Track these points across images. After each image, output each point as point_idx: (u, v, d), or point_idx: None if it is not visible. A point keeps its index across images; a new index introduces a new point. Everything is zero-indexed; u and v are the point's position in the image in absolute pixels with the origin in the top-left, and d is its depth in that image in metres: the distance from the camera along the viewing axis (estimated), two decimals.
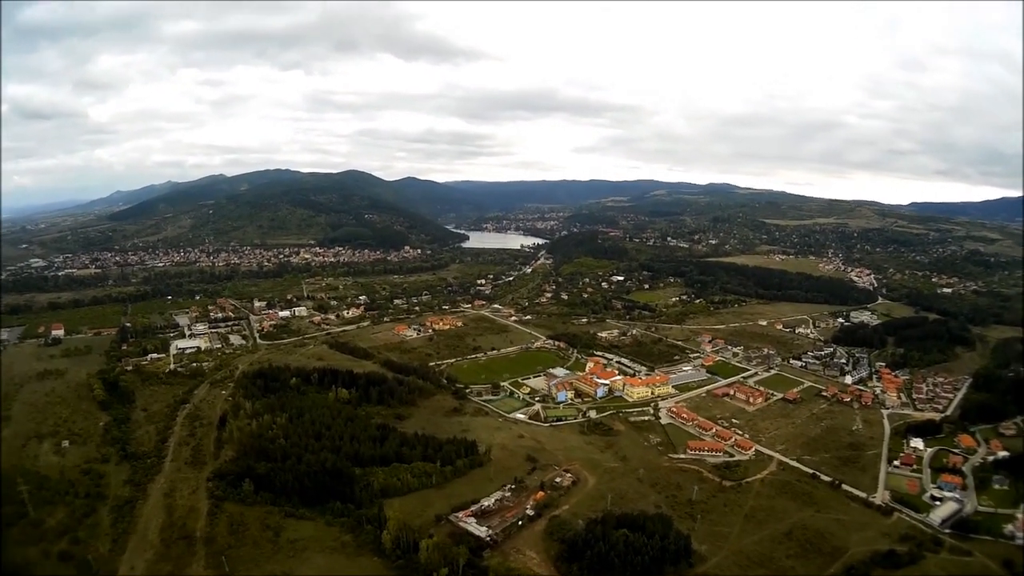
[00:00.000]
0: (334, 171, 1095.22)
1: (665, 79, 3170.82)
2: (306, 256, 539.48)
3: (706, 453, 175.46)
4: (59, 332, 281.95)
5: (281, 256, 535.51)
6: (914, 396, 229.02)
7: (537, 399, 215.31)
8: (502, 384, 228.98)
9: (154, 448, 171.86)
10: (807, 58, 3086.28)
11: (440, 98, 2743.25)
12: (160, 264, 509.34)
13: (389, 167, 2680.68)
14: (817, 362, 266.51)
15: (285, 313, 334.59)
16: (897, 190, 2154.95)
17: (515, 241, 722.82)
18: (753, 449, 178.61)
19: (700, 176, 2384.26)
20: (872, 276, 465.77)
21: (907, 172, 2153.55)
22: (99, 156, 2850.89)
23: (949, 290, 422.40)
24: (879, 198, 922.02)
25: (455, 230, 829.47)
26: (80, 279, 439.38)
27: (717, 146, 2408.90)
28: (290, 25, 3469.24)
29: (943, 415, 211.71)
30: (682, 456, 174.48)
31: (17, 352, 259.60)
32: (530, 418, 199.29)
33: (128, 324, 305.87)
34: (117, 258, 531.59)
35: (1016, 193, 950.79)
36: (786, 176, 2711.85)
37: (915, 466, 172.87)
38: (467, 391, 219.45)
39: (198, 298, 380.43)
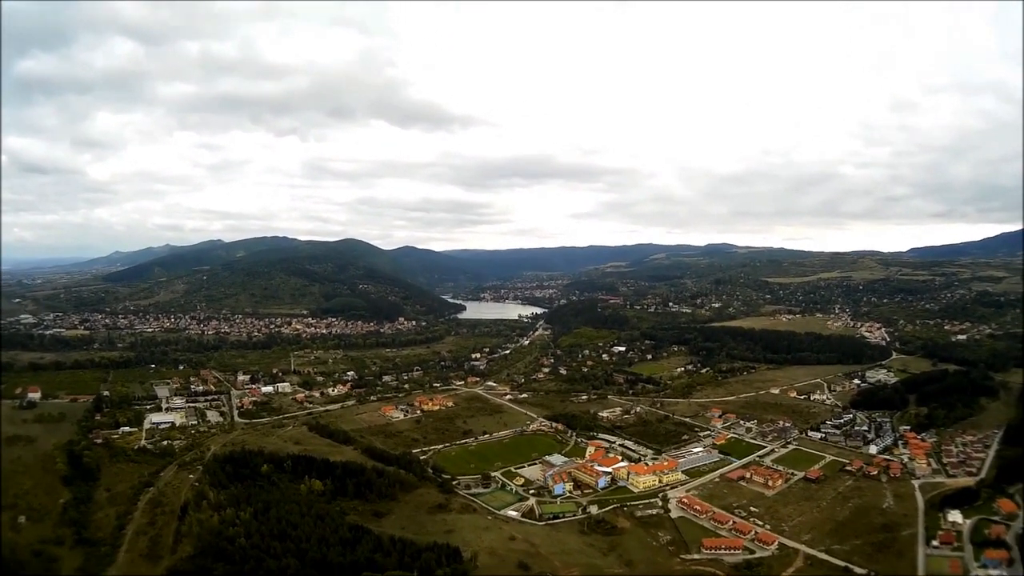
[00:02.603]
0: (332, 239, 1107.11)
1: (659, 140, 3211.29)
2: (297, 327, 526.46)
3: (723, 551, 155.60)
4: (35, 395, 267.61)
5: (272, 326, 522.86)
6: (944, 460, 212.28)
7: (532, 492, 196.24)
8: (493, 474, 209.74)
9: (111, 534, 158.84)
10: (799, 110, 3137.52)
11: (437, 166, 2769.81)
12: (149, 329, 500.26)
13: (388, 236, 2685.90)
14: (838, 432, 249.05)
15: (268, 389, 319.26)
16: (895, 238, 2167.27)
17: (513, 311, 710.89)
18: (776, 543, 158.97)
19: (698, 237, 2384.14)
20: (883, 330, 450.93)
21: (903, 218, 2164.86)
22: (99, 215, 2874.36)
23: (964, 336, 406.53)
24: (878, 247, 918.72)
25: (452, 300, 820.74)
26: (66, 340, 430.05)
27: (713, 206, 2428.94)
28: (283, 91, 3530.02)
29: (978, 478, 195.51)
30: (696, 557, 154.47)
31: None
32: (523, 515, 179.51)
33: (106, 393, 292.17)
34: (107, 320, 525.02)
35: (1015, 227, 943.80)
36: (783, 232, 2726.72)
37: (955, 543, 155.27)
38: (454, 483, 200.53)
39: (181, 368, 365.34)
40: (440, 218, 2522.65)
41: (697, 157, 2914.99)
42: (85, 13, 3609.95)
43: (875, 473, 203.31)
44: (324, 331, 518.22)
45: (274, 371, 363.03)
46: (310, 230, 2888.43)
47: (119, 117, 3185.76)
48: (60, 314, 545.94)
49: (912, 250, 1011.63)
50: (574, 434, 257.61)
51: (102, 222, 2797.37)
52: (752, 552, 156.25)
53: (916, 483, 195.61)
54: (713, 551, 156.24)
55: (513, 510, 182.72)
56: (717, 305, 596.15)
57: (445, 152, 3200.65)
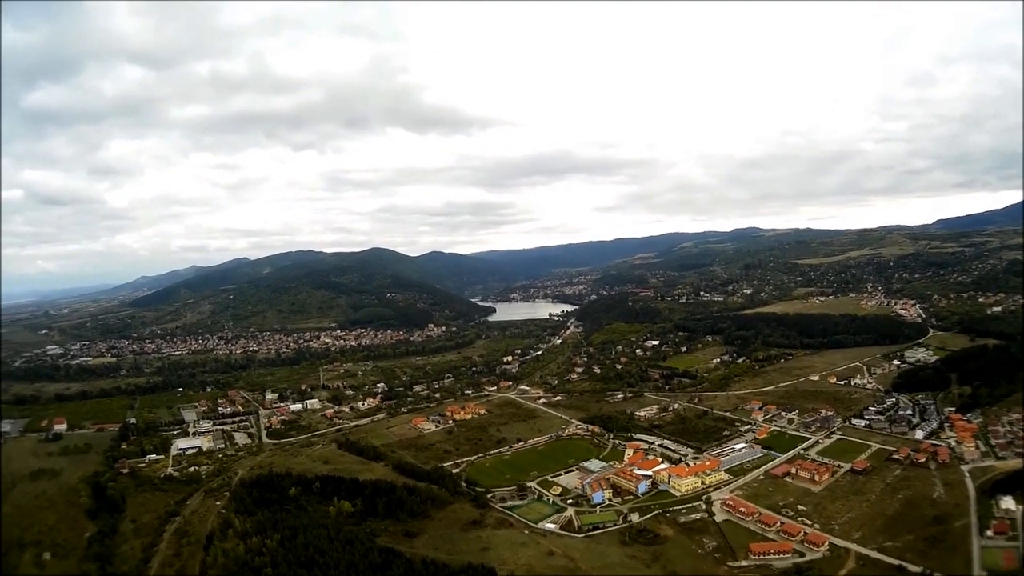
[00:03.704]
0: (358, 249, 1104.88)
1: (676, 129, 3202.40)
2: (326, 340, 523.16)
3: (772, 556, 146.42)
4: (61, 427, 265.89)
5: (301, 341, 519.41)
6: (992, 442, 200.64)
7: (570, 501, 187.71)
8: (529, 485, 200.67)
9: (136, 568, 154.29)
10: (816, 90, 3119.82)
11: (457, 169, 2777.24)
12: (176, 352, 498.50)
13: (414, 242, 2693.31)
14: (881, 418, 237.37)
15: (296, 407, 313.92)
16: (919, 210, 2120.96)
17: (543, 310, 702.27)
18: (826, 543, 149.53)
19: (724, 223, 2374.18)
20: (917, 307, 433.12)
21: (925, 190, 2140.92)
22: (121, 241, 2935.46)
23: (999, 308, 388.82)
24: (904, 221, 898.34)
25: (481, 303, 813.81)
26: (92, 368, 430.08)
27: (735, 191, 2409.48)
28: (296, 105, 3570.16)
29: None
30: (744, 563, 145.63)
31: (16, 447, 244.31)
32: (561, 527, 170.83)
33: (132, 420, 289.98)
34: (134, 346, 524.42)
35: None
36: (808, 212, 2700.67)
37: (1009, 532, 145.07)
38: (489, 496, 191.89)
39: (209, 390, 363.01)
40: (464, 221, 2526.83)
41: (715, 143, 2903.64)
42: (90, 42, 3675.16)
43: (923, 460, 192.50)
44: (353, 343, 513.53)
45: (303, 387, 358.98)
46: (335, 242, 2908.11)
47: (133, 143, 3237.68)
48: (87, 343, 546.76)
49: (938, 222, 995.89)
50: (611, 436, 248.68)
51: (125, 248, 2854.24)
52: (802, 555, 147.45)
53: (965, 468, 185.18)
54: (761, 556, 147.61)
55: (551, 522, 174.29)
56: (748, 291, 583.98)
57: (464, 155, 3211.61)
